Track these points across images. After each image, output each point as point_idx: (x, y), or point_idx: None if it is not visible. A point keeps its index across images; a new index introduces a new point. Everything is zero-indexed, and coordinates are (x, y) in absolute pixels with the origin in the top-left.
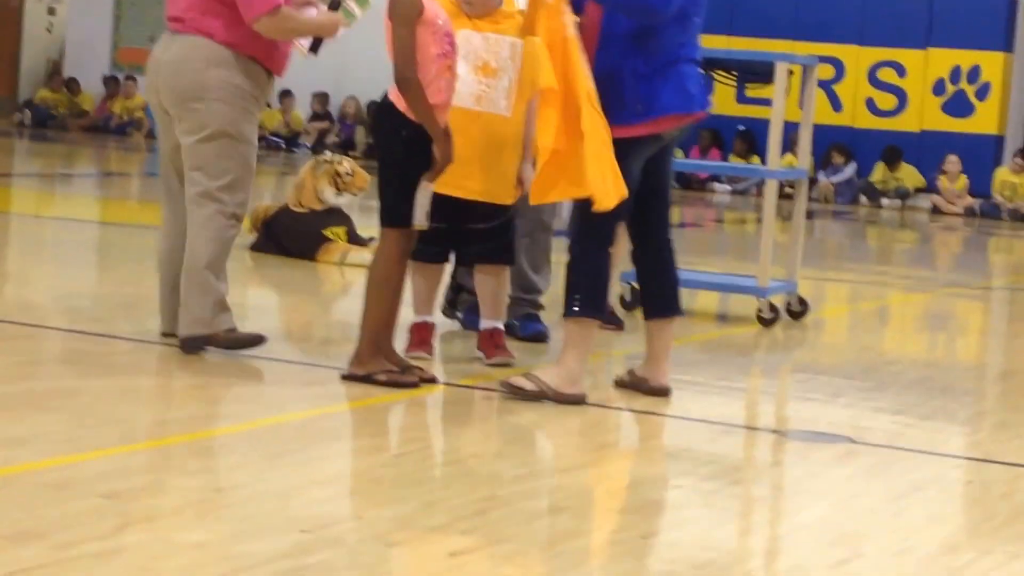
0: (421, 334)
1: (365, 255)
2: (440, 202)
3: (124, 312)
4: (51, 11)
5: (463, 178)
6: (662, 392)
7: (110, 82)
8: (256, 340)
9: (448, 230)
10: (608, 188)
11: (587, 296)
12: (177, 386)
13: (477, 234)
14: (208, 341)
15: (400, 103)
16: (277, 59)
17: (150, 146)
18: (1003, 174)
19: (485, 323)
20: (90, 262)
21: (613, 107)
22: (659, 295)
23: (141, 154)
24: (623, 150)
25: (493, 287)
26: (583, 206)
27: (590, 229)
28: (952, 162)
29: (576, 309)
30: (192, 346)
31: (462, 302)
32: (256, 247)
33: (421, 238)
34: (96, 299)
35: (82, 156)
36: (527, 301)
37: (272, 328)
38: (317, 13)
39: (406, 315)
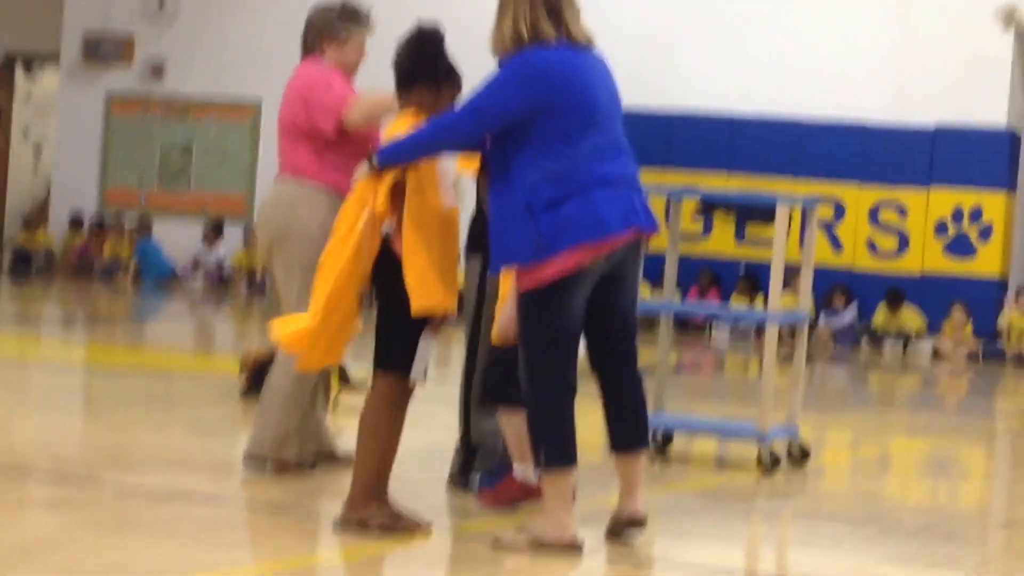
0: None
1: (357, 399)
2: None
3: (111, 459)
4: (37, 151)
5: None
6: (639, 521)
7: (94, 224)
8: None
9: None
10: (429, 291)
11: (552, 445)
12: (167, 538)
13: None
14: (266, 462)
15: (398, 247)
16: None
17: (136, 289)
18: (1010, 317)
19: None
20: (76, 408)
21: (516, 248)
22: (624, 428)
23: (127, 297)
24: (546, 294)
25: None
26: (510, 356)
27: (537, 374)
28: (958, 310)
29: (544, 462)
30: (251, 463)
31: (479, 468)
32: (246, 391)
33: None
34: (82, 446)
35: (67, 299)
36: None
37: (262, 474)
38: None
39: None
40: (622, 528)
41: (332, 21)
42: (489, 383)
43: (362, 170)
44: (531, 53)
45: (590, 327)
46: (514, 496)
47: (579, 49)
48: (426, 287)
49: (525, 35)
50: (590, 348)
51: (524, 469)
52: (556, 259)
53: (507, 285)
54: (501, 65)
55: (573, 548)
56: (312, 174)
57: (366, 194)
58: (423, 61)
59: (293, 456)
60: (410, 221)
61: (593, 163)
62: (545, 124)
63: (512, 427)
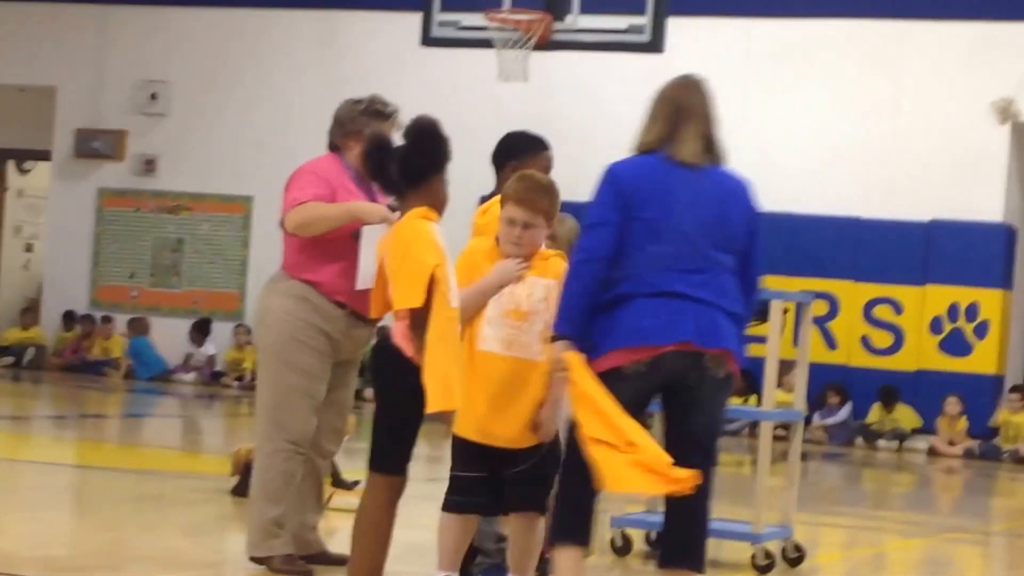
0: None
1: (350, 499)
2: (477, 450)
3: (101, 560)
4: (28, 248)
5: (491, 424)
6: None
7: (86, 321)
8: (303, 572)
9: (486, 479)
10: (440, 392)
11: (570, 523)
12: None
13: (512, 480)
14: (263, 563)
15: (408, 347)
16: (332, 284)
17: (128, 387)
18: (1004, 415)
19: None
20: (66, 507)
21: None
22: (670, 546)
23: (118, 395)
24: (605, 383)
25: (526, 538)
26: (717, 455)
27: (579, 464)
28: (952, 403)
29: (558, 537)
30: (255, 560)
31: (478, 565)
32: (237, 491)
33: (458, 489)
34: (72, 545)
35: (57, 396)
36: (500, 551)
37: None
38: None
39: (403, 568)
40: None
41: (355, 116)
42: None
43: (558, 354)
44: (617, 163)
45: (667, 445)
46: None
47: (685, 165)
48: (446, 388)
49: (639, 143)
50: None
51: None
52: (599, 360)
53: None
54: None
55: None
56: (290, 268)
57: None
58: (438, 154)
59: (282, 551)
60: (432, 323)
61: (652, 273)
62: (628, 234)
63: (459, 535)
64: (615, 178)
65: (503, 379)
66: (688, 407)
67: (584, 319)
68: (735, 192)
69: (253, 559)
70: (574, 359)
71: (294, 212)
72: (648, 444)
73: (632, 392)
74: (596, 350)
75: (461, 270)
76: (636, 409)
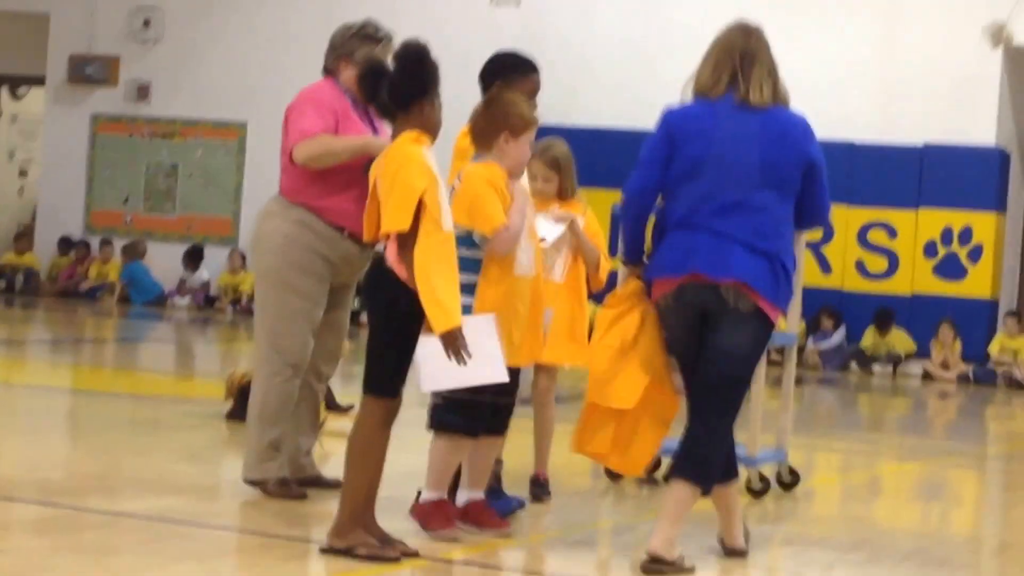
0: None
1: (344, 423)
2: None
3: (96, 483)
4: (23, 173)
5: (539, 345)
6: (736, 553)
7: (80, 247)
8: (297, 496)
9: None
10: (440, 314)
11: (715, 471)
12: (153, 562)
13: (505, 405)
14: (256, 485)
15: (400, 270)
16: (335, 210)
17: (122, 311)
18: (1000, 340)
19: (473, 494)
20: (62, 431)
21: None
22: (677, 456)
23: (113, 319)
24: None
25: (490, 456)
26: (739, 386)
27: (734, 409)
28: (945, 330)
29: (710, 486)
30: (250, 483)
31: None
32: (231, 415)
33: (461, 411)
34: (67, 470)
35: (52, 321)
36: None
37: (248, 499)
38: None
39: (396, 493)
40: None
41: (348, 40)
42: (436, 412)
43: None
44: (670, 109)
45: (695, 370)
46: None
47: (741, 107)
48: (445, 309)
49: (692, 88)
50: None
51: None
52: (652, 288)
53: None
54: None
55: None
56: (288, 192)
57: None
58: (426, 79)
59: (277, 474)
60: (422, 245)
61: (685, 208)
62: (670, 170)
63: (443, 455)
64: (666, 120)
65: (535, 299)
66: (711, 335)
67: (637, 247)
68: (790, 133)
69: (248, 482)
70: (631, 286)
71: (304, 145)
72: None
73: (672, 323)
74: (648, 279)
75: (489, 198)
76: (684, 342)
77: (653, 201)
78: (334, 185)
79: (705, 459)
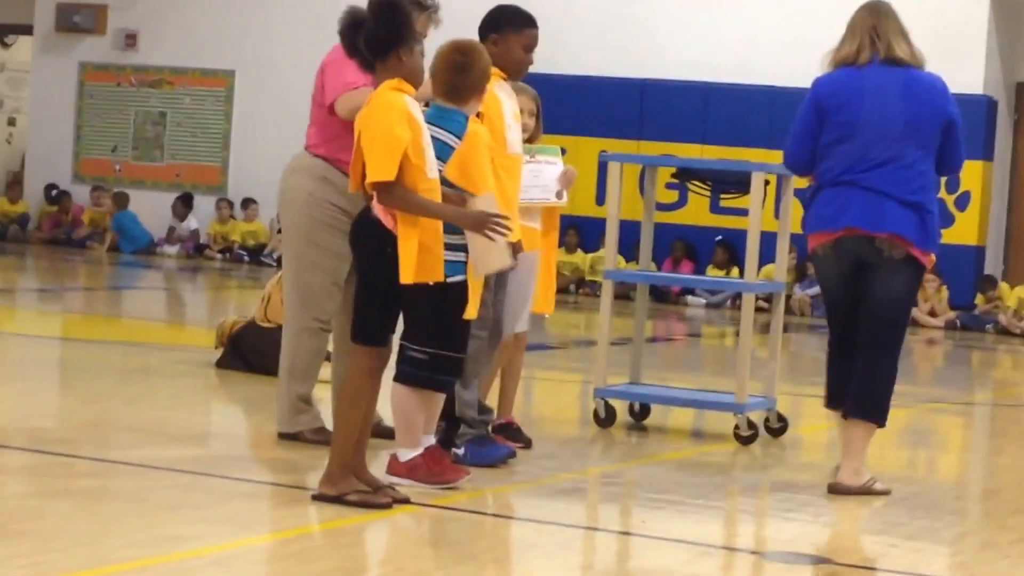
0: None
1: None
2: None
3: (89, 432)
4: (11, 122)
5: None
6: (834, 489)
7: (64, 197)
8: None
9: None
10: (410, 265)
11: (887, 406)
12: (144, 508)
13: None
14: (294, 438)
15: (387, 219)
16: None
17: (111, 259)
18: (1020, 292)
19: (428, 440)
20: (52, 380)
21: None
22: (849, 398)
23: (102, 267)
24: (812, 263)
25: (440, 403)
26: (899, 328)
27: (897, 348)
28: (930, 280)
29: (883, 419)
30: (284, 436)
31: (462, 436)
32: (222, 363)
33: (444, 369)
34: (59, 419)
35: (41, 269)
36: (484, 423)
37: (239, 447)
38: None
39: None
40: (832, 491)
41: None
42: (420, 367)
43: None
44: (818, 78)
45: (859, 316)
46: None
47: (885, 64)
48: (421, 261)
49: (833, 60)
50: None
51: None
52: (808, 239)
53: None
54: None
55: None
56: (313, 146)
57: None
58: (400, 26)
59: (311, 425)
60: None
61: (838, 167)
62: (822, 134)
63: (417, 409)
64: (815, 90)
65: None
66: (869, 283)
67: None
68: (929, 92)
69: (282, 435)
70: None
71: (347, 97)
72: None
73: (829, 272)
74: (805, 231)
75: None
76: (843, 288)
77: (811, 166)
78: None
79: (878, 396)
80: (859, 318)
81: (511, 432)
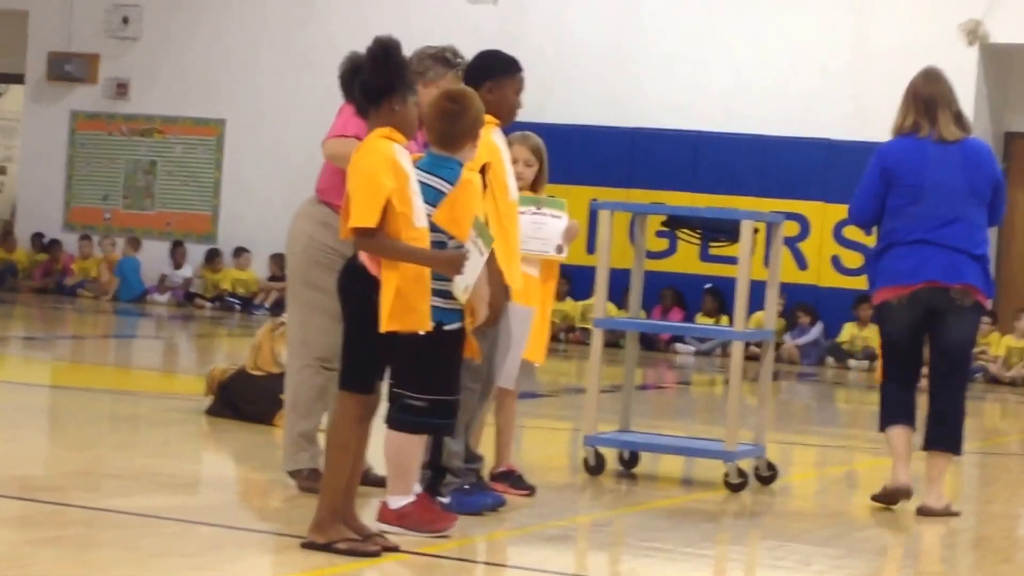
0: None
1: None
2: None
3: (78, 479)
4: (2, 171)
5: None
6: (924, 511)
7: (53, 246)
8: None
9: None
10: (386, 311)
11: (962, 436)
12: (134, 556)
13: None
14: (293, 476)
15: (373, 266)
16: None
17: (97, 307)
18: (1008, 341)
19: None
20: (42, 427)
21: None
22: (928, 432)
23: (92, 316)
24: (878, 313)
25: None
26: (967, 365)
27: (966, 383)
28: None
29: (881, 426)
30: (289, 474)
31: (447, 485)
32: (212, 411)
33: (443, 413)
34: (49, 466)
35: (32, 318)
36: (471, 471)
37: (228, 495)
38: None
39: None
40: (920, 513)
41: (423, 60)
42: (413, 412)
43: None
44: (883, 144)
45: (930, 358)
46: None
47: (939, 142)
48: (404, 308)
49: (896, 127)
50: (929, 369)
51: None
52: (877, 292)
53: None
54: None
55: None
56: (319, 191)
57: None
58: (393, 75)
59: (308, 465)
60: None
61: (910, 227)
62: (889, 197)
63: (412, 454)
64: (881, 156)
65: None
66: (941, 328)
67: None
68: (981, 158)
69: (288, 473)
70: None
71: (333, 141)
72: None
73: (901, 320)
74: (873, 285)
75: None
76: (910, 333)
77: (874, 223)
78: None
79: (955, 429)
80: (931, 360)
81: (513, 480)
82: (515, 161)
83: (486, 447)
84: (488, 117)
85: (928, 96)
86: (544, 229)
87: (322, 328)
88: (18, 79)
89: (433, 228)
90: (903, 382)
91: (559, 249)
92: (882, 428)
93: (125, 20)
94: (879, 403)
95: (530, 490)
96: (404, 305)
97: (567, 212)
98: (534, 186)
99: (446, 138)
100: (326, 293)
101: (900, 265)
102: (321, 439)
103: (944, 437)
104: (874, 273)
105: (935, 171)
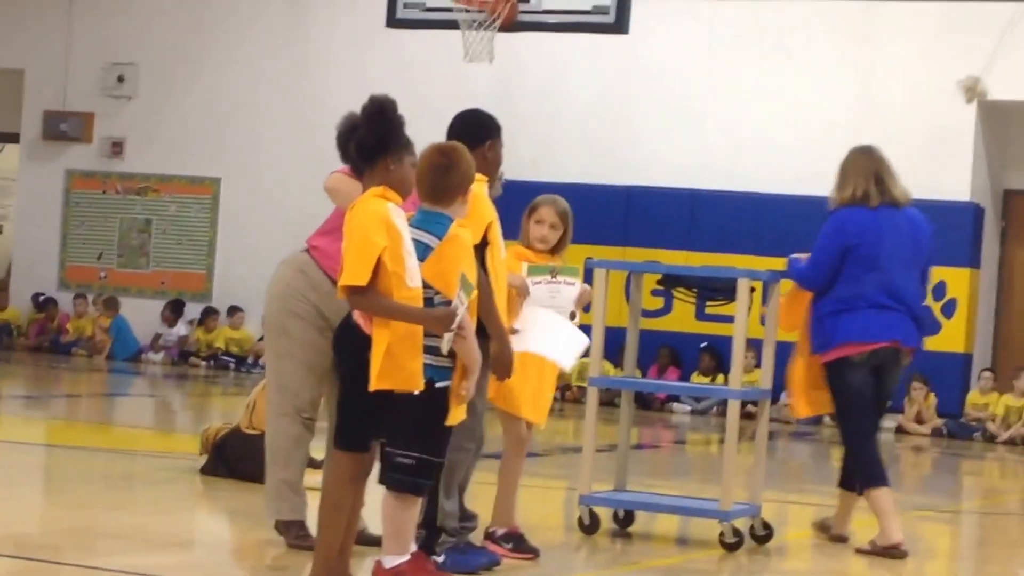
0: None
1: (318, 478)
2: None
3: (72, 538)
4: None
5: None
6: (884, 551)
7: (49, 304)
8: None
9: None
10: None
11: (866, 471)
12: None
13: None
14: (278, 529)
15: (366, 325)
16: (331, 259)
17: (92, 366)
18: (974, 396)
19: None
20: (37, 486)
21: (812, 340)
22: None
23: (87, 375)
24: (833, 369)
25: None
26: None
27: (846, 420)
28: (916, 386)
29: (864, 485)
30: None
31: (442, 545)
32: (206, 470)
33: (429, 474)
34: (43, 525)
35: (27, 377)
36: (468, 529)
37: (223, 553)
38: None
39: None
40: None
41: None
42: (407, 471)
43: None
44: (838, 212)
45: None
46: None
47: (890, 207)
48: (394, 367)
49: (844, 198)
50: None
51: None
52: (835, 349)
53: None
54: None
55: (898, 551)
56: (308, 240)
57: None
58: (388, 134)
59: (289, 516)
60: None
61: (871, 291)
62: (846, 264)
63: (408, 515)
64: (842, 231)
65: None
66: (883, 382)
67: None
68: (921, 224)
69: (275, 525)
70: None
71: (336, 176)
72: None
73: (859, 375)
74: (830, 343)
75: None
76: (863, 387)
77: (825, 288)
78: (337, 237)
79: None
80: (876, 407)
81: (519, 539)
82: (541, 222)
83: (485, 506)
84: (478, 175)
85: (875, 168)
86: (558, 297)
87: (296, 376)
88: (13, 138)
89: (424, 285)
90: (873, 437)
91: (572, 315)
92: (872, 487)
93: (120, 79)
94: (858, 463)
95: (534, 553)
96: (394, 364)
97: (579, 278)
98: (555, 248)
99: (436, 192)
100: (299, 342)
101: (870, 324)
102: (311, 496)
103: (884, 475)
104: (830, 332)
105: (890, 241)
